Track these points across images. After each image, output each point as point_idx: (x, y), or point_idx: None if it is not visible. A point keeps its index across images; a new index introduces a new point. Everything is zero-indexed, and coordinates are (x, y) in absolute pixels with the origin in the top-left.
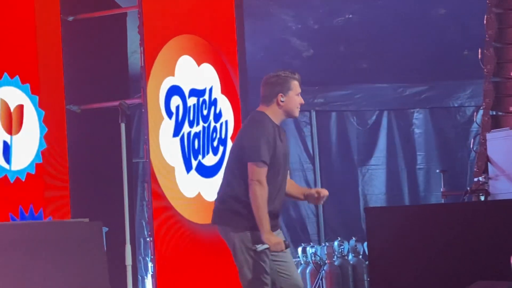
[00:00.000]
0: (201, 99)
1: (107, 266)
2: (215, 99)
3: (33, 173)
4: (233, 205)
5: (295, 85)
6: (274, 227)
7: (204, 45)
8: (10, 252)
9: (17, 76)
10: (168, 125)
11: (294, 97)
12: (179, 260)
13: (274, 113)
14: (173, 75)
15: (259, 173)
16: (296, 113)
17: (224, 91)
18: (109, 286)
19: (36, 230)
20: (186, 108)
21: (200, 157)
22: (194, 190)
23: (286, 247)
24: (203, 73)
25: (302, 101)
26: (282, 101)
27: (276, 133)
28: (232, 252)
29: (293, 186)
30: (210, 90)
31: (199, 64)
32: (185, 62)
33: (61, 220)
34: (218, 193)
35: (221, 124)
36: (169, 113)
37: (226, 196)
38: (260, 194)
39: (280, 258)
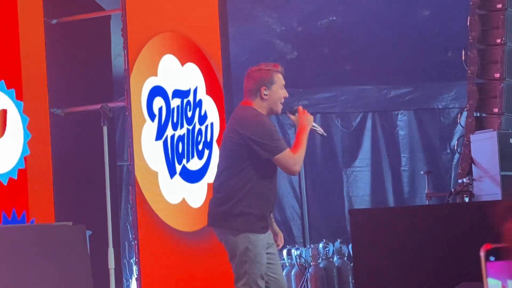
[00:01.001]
0: (185, 100)
1: (91, 270)
2: (200, 100)
3: (17, 176)
4: (235, 207)
5: (279, 78)
6: (266, 228)
7: (188, 43)
8: None
9: (2, 80)
10: (150, 128)
11: (278, 91)
12: (164, 263)
13: (260, 107)
14: (155, 75)
15: (289, 156)
16: (279, 108)
17: (210, 92)
18: None
19: (19, 234)
20: (169, 110)
21: (184, 161)
22: (178, 196)
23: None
24: (187, 73)
25: (286, 95)
26: (265, 95)
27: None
28: (229, 254)
29: None
30: (195, 91)
31: (183, 63)
32: (168, 62)
33: (45, 224)
34: (217, 194)
35: (206, 127)
36: (152, 115)
37: (227, 199)
38: (298, 160)
39: (270, 260)
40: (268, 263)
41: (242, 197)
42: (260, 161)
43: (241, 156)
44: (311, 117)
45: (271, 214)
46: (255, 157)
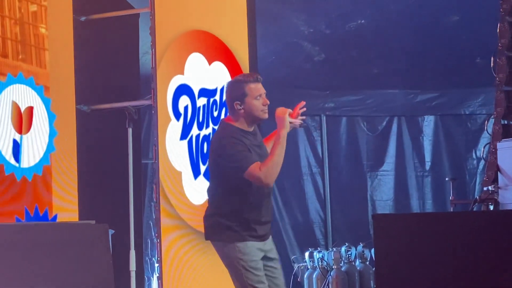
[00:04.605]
0: (211, 100)
1: (113, 269)
2: None
3: (42, 172)
4: (221, 220)
5: (251, 88)
6: (265, 236)
7: (216, 42)
8: (15, 253)
9: (31, 76)
10: (175, 127)
11: (252, 102)
12: (186, 263)
13: (239, 122)
14: (182, 73)
15: (254, 171)
16: (262, 115)
17: None
18: None
19: (41, 231)
20: (195, 109)
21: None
22: (201, 197)
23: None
24: (214, 72)
25: (266, 102)
26: (239, 109)
27: (249, 139)
28: (226, 266)
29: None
30: (222, 90)
31: (210, 62)
32: (195, 60)
33: (67, 222)
34: (207, 211)
35: None
36: (177, 114)
37: (214, 214)
38: (266, 173)
39: (270, 273)
40: (269, 276)
41: (226, 212)
42: (231, 179)
43: (217, 175)
44: (285, 117)
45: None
46: (227, 176)
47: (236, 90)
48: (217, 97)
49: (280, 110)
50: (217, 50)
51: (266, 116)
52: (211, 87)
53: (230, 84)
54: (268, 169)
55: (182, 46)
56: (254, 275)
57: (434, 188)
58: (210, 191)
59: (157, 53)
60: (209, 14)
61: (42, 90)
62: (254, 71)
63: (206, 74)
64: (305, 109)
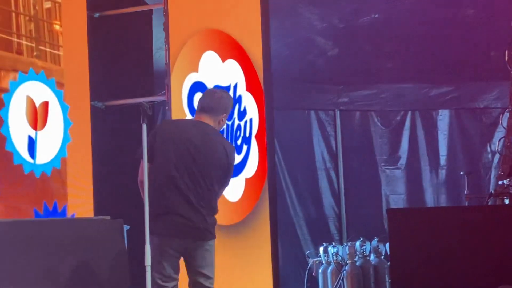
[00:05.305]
0: None
1: (128, 264)
2: (240, 96)
3: (58, 168)
4: (215, 219)
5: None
6: None
7: (229, 40)
8: (31, 248)
9: (43, 71)
10: None
11: (225, 122)
12: None
13: None
14: (196, 71)
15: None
16: None
17: (249, 88)
18: (129, 284)
19: (57, 227)
20: None
21: None
22: None
23: None
24: (227, 69)
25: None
26: (221, 121)
27: None
28: (211, 257)
29: None
30: (235, 87)
31: (223, 60)
32: (209, 58)
33: (83, 218)
34: (207, 210)
35: (245, 122)
36: (192, 110)
37: (214, 212)
38: None
39: None
40: None
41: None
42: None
43: (218, 179)
44: None
45: None
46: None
47: (230, 106)
48: (231, 93)
49: None
50: (231, 48)
51: None
52: (224, 84)
53: (229, 98)
54: None
55: (196, 45)
56: None
57: (448, 182)
58: (211, 190)
59: (171, 49)
60: (222, 10)
61: (54, 83)
62: (268, 66)
63: (220, 71)
64: None
